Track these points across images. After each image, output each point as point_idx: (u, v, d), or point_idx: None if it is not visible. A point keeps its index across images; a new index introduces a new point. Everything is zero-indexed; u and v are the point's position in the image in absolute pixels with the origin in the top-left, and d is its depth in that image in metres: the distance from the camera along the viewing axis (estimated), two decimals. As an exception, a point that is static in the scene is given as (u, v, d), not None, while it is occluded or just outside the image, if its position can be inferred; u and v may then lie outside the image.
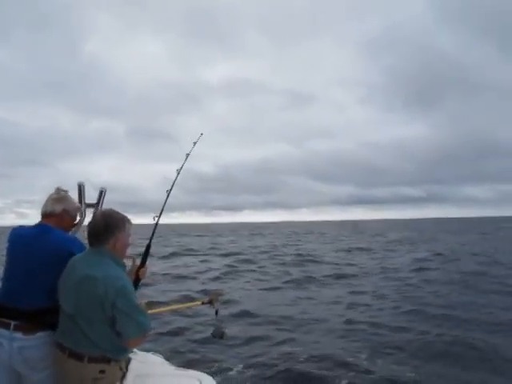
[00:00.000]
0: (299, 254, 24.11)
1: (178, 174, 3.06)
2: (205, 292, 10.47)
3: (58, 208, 2.48)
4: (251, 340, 7.01)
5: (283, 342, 6.94)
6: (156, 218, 2.94)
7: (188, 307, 3.65)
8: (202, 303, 3.11)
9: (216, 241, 43.50)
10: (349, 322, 8.50)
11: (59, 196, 2.53)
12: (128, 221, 2.37)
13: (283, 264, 19.63)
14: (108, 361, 2.21)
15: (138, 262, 2.72)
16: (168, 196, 2.98)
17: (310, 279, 14.66)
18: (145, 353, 2.94)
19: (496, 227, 66.01)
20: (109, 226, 2.28)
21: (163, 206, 2.96)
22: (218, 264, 19.74)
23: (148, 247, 2.84)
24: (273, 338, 7.22)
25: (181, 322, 7.96)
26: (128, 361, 2.51)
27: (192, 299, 4.48)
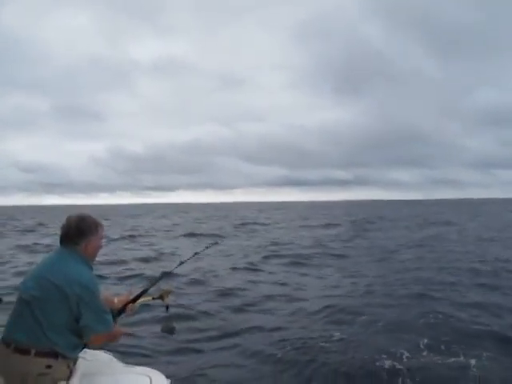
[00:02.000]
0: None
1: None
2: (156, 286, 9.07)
3: None
4: (202, 335, 6.36)
5: (235, 335, 6.25)
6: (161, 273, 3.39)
7: (138, 302, 3.05)
8: (153, 298, 3.03)
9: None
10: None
11: None
12: (100, 225, 2.55)
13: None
14: (56, 356, 2.21)
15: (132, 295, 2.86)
16: (161, 277, 3.17)
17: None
18: (93, 350, 2.77)
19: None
20: (81, 229, 2.41)
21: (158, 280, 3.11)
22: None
23: (145, 291, 2.94)
24: (224, 333, 6.43)
25: (130, 318, 6.48)
26: (75, 359, 2.45)
27: (143, 294, 3.25)
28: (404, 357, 5.15)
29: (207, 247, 3.59)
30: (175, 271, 3.35)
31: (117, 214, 69.75)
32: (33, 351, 2.17)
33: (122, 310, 2.77)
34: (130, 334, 5.72)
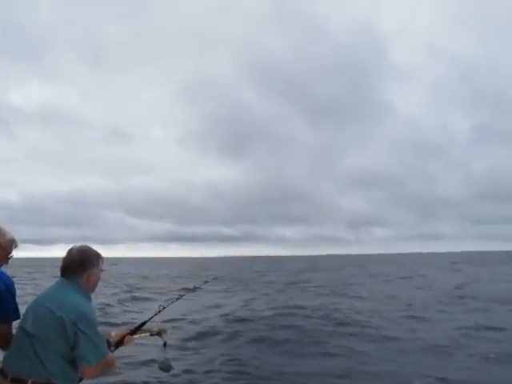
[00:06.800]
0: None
1: None
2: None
3: None
4: (198, 373, 6.67)
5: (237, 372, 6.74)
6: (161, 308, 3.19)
7: (136, 339, 3.15)
8: (151, 335, 3.04)
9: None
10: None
11: None
12: (101, 257, 2.58)
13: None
14: None
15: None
16: None
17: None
18: None
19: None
20: (84, 261, 2.45)
21: None
22: None
23: (144, 323, 3.01)
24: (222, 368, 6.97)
25: (125, 354, 7.01)
26: None
27: (140, 328, 3.36)
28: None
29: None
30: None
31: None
32: (29, 382, 2.18)
33: (120, 342, 2.82)
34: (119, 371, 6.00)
